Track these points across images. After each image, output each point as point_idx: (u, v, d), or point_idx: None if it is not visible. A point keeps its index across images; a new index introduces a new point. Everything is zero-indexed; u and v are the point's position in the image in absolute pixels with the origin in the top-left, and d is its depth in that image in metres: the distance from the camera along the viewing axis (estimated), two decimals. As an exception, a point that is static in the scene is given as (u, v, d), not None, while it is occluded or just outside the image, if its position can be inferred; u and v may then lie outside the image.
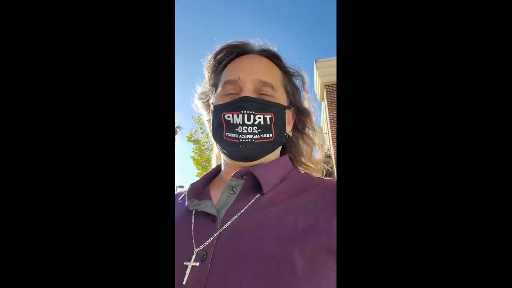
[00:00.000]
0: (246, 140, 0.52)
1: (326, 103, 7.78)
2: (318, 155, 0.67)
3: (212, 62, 0.62)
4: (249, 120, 0.52)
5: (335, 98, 7.56)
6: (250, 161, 0.54)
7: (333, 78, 7.70)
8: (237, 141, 0.52)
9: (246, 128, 0.52)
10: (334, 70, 7.72)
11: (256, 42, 0.62)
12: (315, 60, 7.86)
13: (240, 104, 0.53)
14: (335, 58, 7.85)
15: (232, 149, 0.53)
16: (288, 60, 0.63)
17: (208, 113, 0.64)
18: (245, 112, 0.52)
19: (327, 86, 7.82)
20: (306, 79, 0.66)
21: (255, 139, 0.53)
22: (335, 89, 7.71)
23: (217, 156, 0.69)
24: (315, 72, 7.91)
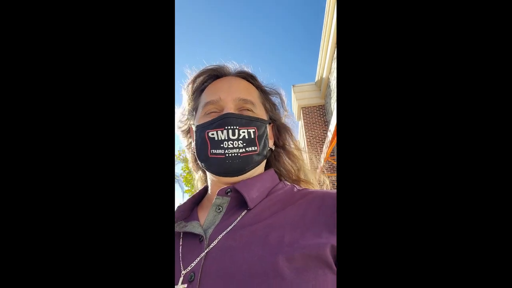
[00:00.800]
0: (233, 155, 0.53)
1: (302, 123, 8.63)
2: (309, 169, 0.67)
3: (190, 86, 0.63)
4: (233, 135, 0.53)
5: (310, 119, 8.45)
6: (237, 176, 0.54)
7: (308, 102, 8.61)
8: (223, 156, 0.53)
9: (232, 142, 0.53)
10: (309, 94, 8.67)
11: (232, 65, 0.65)
12: (292, 85, 8.77)
13: (224, 120, 0.54)
14: (309, 83, 8.81)
15: (219, 165, 0.53)
16: (268, 82, 0.67)
17: (188, 137, 0.65)
18: (229, 127, 0.53)
19: (303, 108, 8.71)
20: (284, 97, 0.68)
21: (241, 152, 0.53)
22: (310, 111, 8.62)
23: (201, 178, 0.69)
24: (293, 96, 8.80)
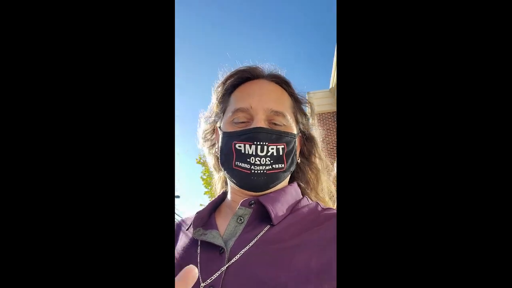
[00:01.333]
0: (258, 172, 0.51)
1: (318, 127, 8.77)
2: (327, 183, 0.64)
3: (220, 88, 0.61)
4: (262, 151, 0.51)
5: (324, 125, 8.56)
6: (260, 191, 0.53)
7: (322, 108, 8.73)
8: (249, 172, 0.51)
9: (259, 159, 0.51)
10: (323, 101, 8.80)
11: (266, 66, 0.60)
12: (307, 92, 8.94)
13: (254, 135, 0.51)
14: (324, 90, 8.94)
15: (243, 179, 0.52)
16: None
17: (213, 138, 0.63)
18: (258, 143, 0.51)
19: (317, 114, 8.84)
20: (314, 106, 0.65)
21: (267, 170, 0.51)
22: (324, 117, 8.74)
23: (221, 179, 0.67)
24: (307, 102, 8.98)
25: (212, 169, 0.69)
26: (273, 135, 0.53)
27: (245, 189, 0.53)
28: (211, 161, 0.66)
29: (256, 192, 0.53)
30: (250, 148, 0.51)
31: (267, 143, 0.52)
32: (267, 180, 0.52)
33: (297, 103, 0.61)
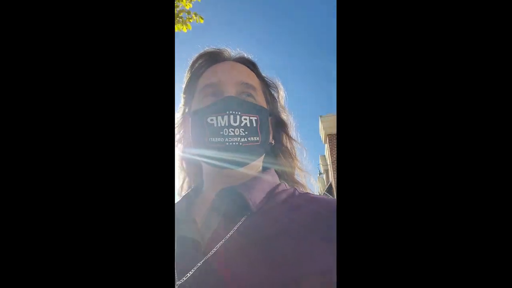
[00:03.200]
0: (233, 144, 0.49)
1: (328, 146, 10.12)
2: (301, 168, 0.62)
3: (187, 73, 0.60)
4: (235, 121, 0.49)
5: (335, 145, 9.91)
6: (239, 168, 0.51)
7: (334, 130, 10.14)
8: (223, 145, 0.49)
9: (233, 130, 0.49)
10: (334, 123, 10.20)
11: (233, 50, 0.60)
12: (320, 116, 10.37)
13: (225, 104, 0.50)
14: (334, 114, 10.35)
15: (218, 155, 0.50)
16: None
17: (181, 130, 0.60)
18: (230, 112, 0.49)
19: (329, 135, 10.23)
20: (283, 92, 0.64)
21: (242, 142, 0.50)
22: (335, 137, 10.12)
23: (182, 179, 0.63)
24: (320, 125, 10.37)
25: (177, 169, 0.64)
26: (245, 104, 0.52)
27: (220, 167, 0.51)
28: (177, 157, 0.62)
29: (232, 169, 0.51)
30: (223, 120, 0.49)
31: (239, 113, 0.50)
32: (243, 154, 0.50)
33: (265, 84, 0.61)
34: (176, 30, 2.93)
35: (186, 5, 2.90)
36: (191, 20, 2.99)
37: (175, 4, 2.92)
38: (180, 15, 2.95)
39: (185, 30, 2.98)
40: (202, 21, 3.02)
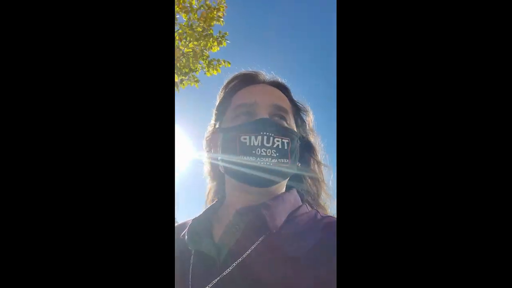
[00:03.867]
0: (264, 164, 0.51)
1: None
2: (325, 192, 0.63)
3: (222, 91, 0.62)
4: (268, 142, 0.51)
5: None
6: (264, 187, 0.52)
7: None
8: (254, 164, 0.51)
9: (265, 150, 0.51)
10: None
11: (267, 74, 0.63)
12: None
13: (260, 125, 0.51)
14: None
15: (247, 173, 0.51)
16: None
17: (210, 144, 0.62)
18: (264, 133, 0.51)
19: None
20: (311, 115, 0.65)
21: (273, 163, 0.51)
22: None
23: (213, 189, 0.66)
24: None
25: (204, 176, 0.67)
26: (278, 126, 0.53)
27: (249, 184, 0.52)
28: (206, 167, 0.66)
29: (260, 187, 0.52)
30: (256, 140, 0.51)
31: (273, 135, 0.51)
32: (271, 175, 0.51)
33: (296, 109, 0.63)
34: (208, 74, 3.54)
35: (214, 49, 3.43)
36: (220, 66, 3.53)
37: (206, 54, 3.45)
38: (212, 62, 3.50)
39: (215, 73, 3.54)
40: (229, 65, 3.57)
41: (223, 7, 3.33)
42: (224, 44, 3.40)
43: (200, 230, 0.53)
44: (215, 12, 3.27)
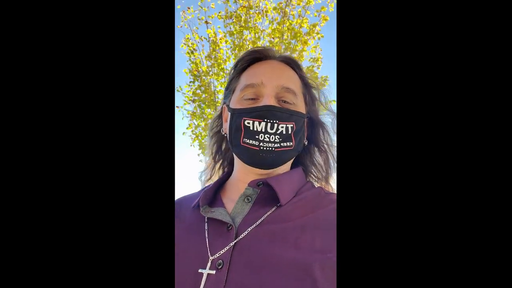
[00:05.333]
0: (267, 148, 0.52)
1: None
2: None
3: (232, 70, 0.63)
4: (272, 128, 0.52)
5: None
6: (268, 169, 0.54)
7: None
8: (258, 148, 0.52)
9: (268, 136, 0.52)
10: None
11: (277, 51, 0.62)
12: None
13: (264, 113, 0.52)
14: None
15: (251, 156, 0.53)
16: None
17: (219, 118, 0.65)
18: (268, 121, 0.52)
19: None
20: (325, 93, 0.65)
21: (275, 147, 0.52)
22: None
23: (217, 169, 0.68)
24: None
25: (207, 156, 0.70)
26: (284, 113, 0.53)
27: (253, 166, 0.54)
28: (212, 147, 0.68)
29: (264, 169, 0.54)
30: (259, 125, 0.52)
31: (277, 121, 0.52)
32: (275, 157, 0.53)
33: (307, 86, 0.62)
34: None
35: None
36: None
37: None
38: None
39: None
40: None
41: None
42: None
43: (213, 199, 0.57)
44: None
